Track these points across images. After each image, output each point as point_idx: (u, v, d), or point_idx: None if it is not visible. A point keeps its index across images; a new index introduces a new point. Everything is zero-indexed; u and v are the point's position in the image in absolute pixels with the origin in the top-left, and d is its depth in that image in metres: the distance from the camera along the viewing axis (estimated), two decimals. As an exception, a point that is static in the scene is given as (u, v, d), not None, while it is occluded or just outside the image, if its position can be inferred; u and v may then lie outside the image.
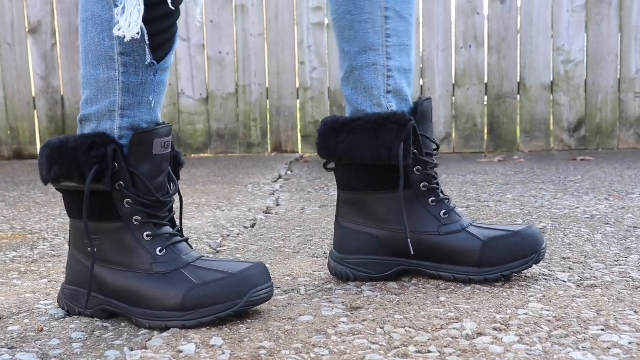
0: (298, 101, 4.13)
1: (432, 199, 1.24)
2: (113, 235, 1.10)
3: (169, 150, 1.12)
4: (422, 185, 1.23)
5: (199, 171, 3.32)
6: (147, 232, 1.09)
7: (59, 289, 1.29)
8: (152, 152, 1.08)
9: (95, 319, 1.11)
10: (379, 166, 1.21)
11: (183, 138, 4.27)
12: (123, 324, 1.09)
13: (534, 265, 1.23)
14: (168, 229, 1.12)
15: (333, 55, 4.07)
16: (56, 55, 4.28)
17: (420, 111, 1.24)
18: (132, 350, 0.97)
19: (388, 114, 1.18)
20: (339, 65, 1.28)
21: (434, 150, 1.26)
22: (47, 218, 2.11)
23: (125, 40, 1.03)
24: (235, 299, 1.03)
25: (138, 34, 1.03)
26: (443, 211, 1.24)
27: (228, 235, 1.77)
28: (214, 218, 2.03)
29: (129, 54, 1.07)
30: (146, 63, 1.07)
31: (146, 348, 0.98)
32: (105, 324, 1.09)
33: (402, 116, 1.18)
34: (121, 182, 1.07)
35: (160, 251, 1.09)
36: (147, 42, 1.05)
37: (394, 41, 1.23)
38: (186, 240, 1.14)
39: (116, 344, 1.00)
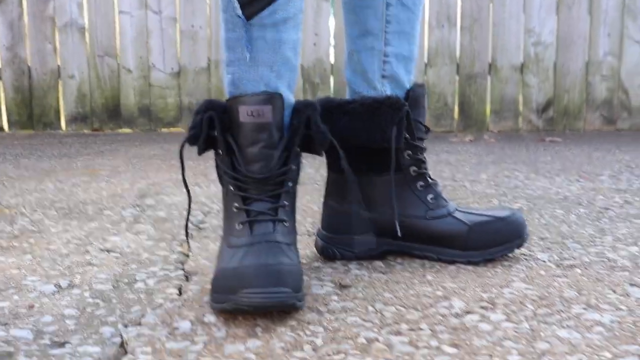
0: (270, 77, 4.12)
1: (421, 183, 1.25)
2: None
3: (263, 119, 1.07)
4: (412, 169, 1.25)
5: (172, 146, 3.30)
6: (235, 204, 1.09)
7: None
8: (239, 119, 1.07)
9: (86, 295, 1.12)
10: (372, 148, 1.22)
11: (154, 112, 4.24)
12: (114, 301, 1.09)
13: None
14: (258, 206, 1.08)
15: (306, 31, 4.06)
16: (23, 24, 4.20)
17: (412, 97, 1.24)
18: (126, 327, 0.98)
19: (383, 98, 1.20)
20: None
21: (425, 132, 1.28)
22: (22, 192, 2.09)
23: None
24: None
25: None
26: (431, 195, 1.25)
27: (209, 212, 1.78)
28: (193, 194, 2.03)
29: (225, 11, 1.09)
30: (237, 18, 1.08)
31: (140, 324, 0.99)
32: (96, 300, 1.10)
33: (396, 100, 1.20)
34: (219, 150, 1.09)
35: (238, 225, 1.08)
36: None
37: (393, 28, 1.23)
38: (278, 220, 1.08)
39: (110, 320, 1.01)
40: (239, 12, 1.08)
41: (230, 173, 1.09)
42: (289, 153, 1.10)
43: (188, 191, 1.18)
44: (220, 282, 1.00)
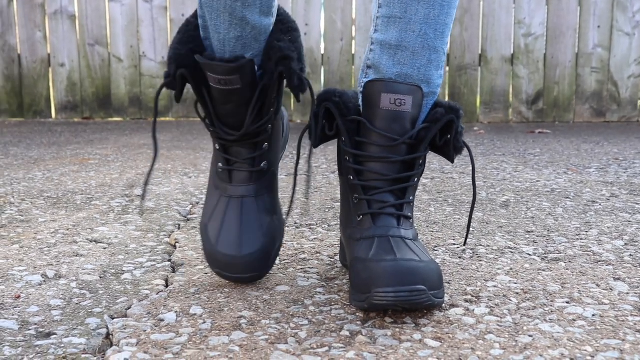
0: (261, 67, 4.12)
1: (355, 195, 1.07)
2: None
3: (231, 86, 1.05)
4: (350, 176, 1.08)
5: (163, 136, 3.29)
6: (216, 145, 1.14)
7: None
8: (209, 83, 1.07)
9: (72, 285, 1.12)
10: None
11: (144, 101, 4.23)
12: (101, 291, 1.10)
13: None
14: (236, 151, 1.12)
15: (296, 20, 4.06)
16: (13, 11, 4.17)
17: (365, 95, 1.06)
18: (112, 319, 0.98)
19: (320, 91, 1.11)
20: None
21: (391, 145, 1.04)
22: (11, 181, 2.08)
23: None
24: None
25: None
26: (359, 212, 1.06)
27: (197, 203, 1.78)
28: (182, 185, 2.03)
29: None
30: None
31: (126, 316, 0.99)
32: (82, 291, 1.10)
33: (320, 95, 1.09)
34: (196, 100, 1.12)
35: (219, 169, 1.14)
36: None
37: (383, 12, 1.06)
38: (247, 171, 1.12)
39: (96, 312, 1.01)
40: None
41: (203, 119, 1.13)
42: (263, 102, 1.09)
43: (155, 143, 1.10)
44: (201, 228, 1.14)
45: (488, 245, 1.34)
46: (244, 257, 1.08)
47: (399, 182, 1.05)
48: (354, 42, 4.13)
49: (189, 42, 1.08)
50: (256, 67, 1.07)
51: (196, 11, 1.11)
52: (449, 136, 1.06)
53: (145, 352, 0.85)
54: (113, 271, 1.20)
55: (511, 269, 1.19)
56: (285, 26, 1.11)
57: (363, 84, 1.08)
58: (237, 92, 1.06)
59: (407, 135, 1.04)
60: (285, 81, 1.08)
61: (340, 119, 1.06)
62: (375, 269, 0.94)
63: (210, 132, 1.13)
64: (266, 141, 1.13)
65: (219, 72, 1.04)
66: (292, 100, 4.07)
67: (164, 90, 1.22)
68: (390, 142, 1.03)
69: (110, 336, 0.92)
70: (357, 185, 1.06)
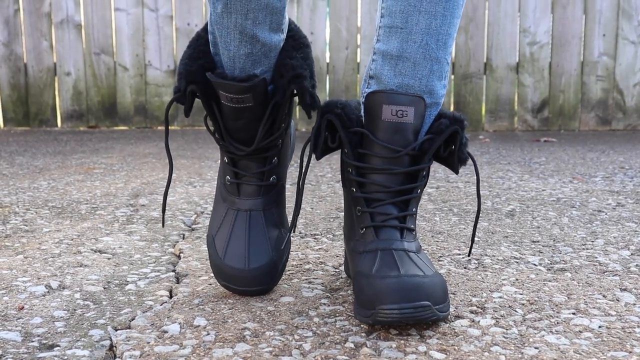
0: (266, 75, 4.12)
1: (358, 207, 1.06)
2: None
3: (243, 104, 1.05)
4: (352, 189, 1.07)
5: (167, 144, 3.29)
6: (224, 158, 1.14)
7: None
8: (220, 100, 1.07)
9: (76, 296, 1.12)
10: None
11: (150, 110, 4.23)
12: (104, 302, 1.09)
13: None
14: (246, 164, 1.12)
15: (302, 29, 4.06)
16: (19, 21, 4.19)
17: (366, 106, 1.05)
18: (116, 330, 0.98)
19: (323, 103, 1.09)
20: None
21: (394, 156, 1.03)
22: (16, 191, 2.08)
23: None
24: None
25: None
26: (362, 225, 1.04)
27: (202, 212, 1.77)
28: (187, 194, 2.03)
29: None
30: None
31: (130, 327, 0.99)
32: (86, 302, 1.09)
33: (322, 106, 1.08)
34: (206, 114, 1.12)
35: (227, 181, 1.14)
36: None
37: (385, 21, 1.05)
38: (256, 185, 1.12)
39: (99, 323, 1.00)
40: None
41: (214, 135, 1.12)
42: (274, 119, 1.09)
43: (170, 158, 1.14)
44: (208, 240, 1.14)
45: (493, 255, 1.34)
46: (251, 270, 1.08)
47: (402, 194, 1.05)
48: (359, 50, 4.14)
49: (200, 58, 1.08)
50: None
51: (206, 24, 1.11)
52: (453, 147, 1.05)
53: (148, 364, 0.85)
54: (117, 282, 1.20)
55: (517, 280, 1.18)
56: (297, 42, 1.11)
57: (365, 95, 1.07)
58: (248, 109, 1.06)
59: (410, 146, 1.03)
60: (296, 98, 1.09)
61: (343, 131, 1.06)
62: (379, 286, 0.93)
63: (220, 145, 1.13)
64: (276, 156, 1.13)
65: (231, 91, 1.04)
66: (298, 108, 4.07)
67: (168, 98, 1.20)
68: (393, 154, 1.03)
69: (114, 348, 0.92)
70: (360, 197, 1.05)
